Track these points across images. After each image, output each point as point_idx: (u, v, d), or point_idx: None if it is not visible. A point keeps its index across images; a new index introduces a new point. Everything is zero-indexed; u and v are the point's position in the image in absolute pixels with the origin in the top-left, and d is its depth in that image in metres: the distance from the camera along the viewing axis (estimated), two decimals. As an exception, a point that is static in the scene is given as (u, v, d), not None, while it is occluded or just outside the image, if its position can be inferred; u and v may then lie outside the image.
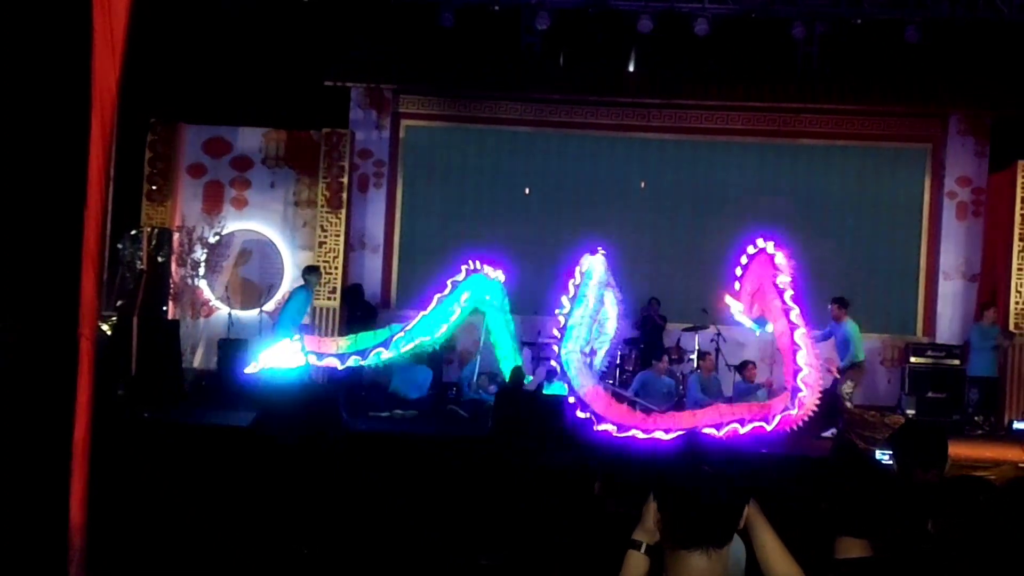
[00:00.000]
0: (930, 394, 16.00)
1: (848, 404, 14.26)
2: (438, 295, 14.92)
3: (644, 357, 16.32)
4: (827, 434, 13.70)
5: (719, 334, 16.34)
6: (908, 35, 15.85)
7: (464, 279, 14.90)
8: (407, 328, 14.89)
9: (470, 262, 15.03)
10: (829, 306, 14.53)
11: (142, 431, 11.27)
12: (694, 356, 16.29)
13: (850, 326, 14.49)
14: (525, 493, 6.71)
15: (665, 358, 15.52)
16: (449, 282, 14.96)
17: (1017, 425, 14.36)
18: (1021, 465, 11.34)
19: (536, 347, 16.40)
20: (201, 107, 17.78)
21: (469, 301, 15.03)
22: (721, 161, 18.42)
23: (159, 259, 16.29)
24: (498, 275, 15.06)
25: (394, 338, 14.82)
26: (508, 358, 15.21)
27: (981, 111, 17.83)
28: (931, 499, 3.83)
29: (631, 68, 18.23)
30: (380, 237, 18.34)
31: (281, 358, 14.62)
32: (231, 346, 16.78)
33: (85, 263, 4.62)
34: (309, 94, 17.65)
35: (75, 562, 4.62)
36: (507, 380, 14.50)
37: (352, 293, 17.12)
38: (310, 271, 15.80)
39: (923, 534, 3.80)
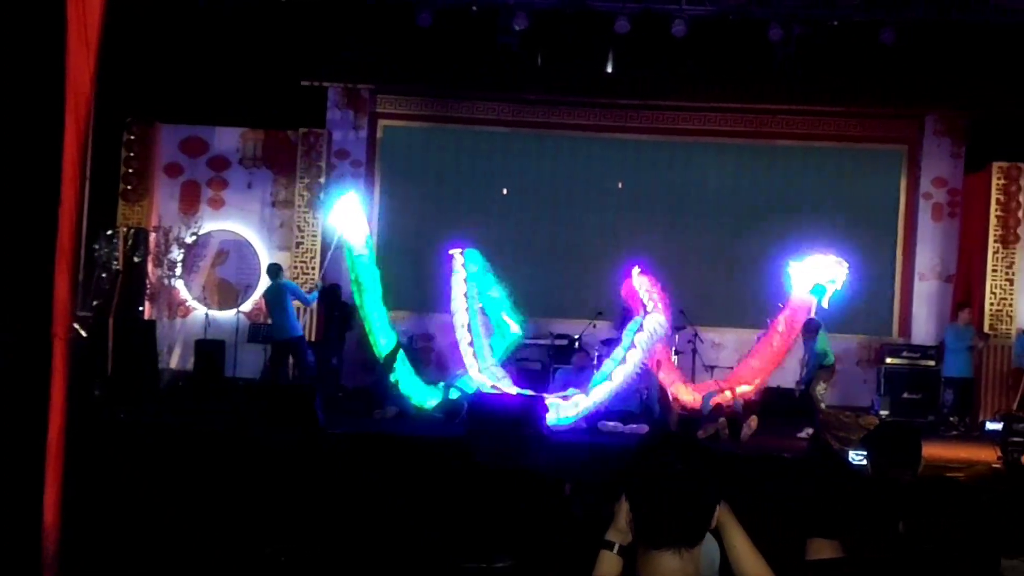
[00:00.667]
0: (905, 395, 16.07)
1: (821, 405, 14.36)
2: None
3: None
4: (802, 434, 13.77)
5: (696, 335, 16.39)
6: (884, 37, 15.89)
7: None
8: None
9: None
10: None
11: (118, 432, 11.22)
12: (672, 356, 16.34)
13: (819, 337, 14.70)
14: (499, 495, 6.71)
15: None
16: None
17: (990, 426, 14.42)
18: (995, 466, 11.44)
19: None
20: (178, 106, 17.69)
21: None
22: (698, 162, 18.46)
23: (135, 259, 16.25)
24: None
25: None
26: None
27: (956, 112, 17.91)
28: (903, 500, 3.84)
29: (608, 69, 18.20)
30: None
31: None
32: (208, 347, 16.77)
33: (59, 263, 4.60)
34: (286, 94, 17.60)
35: (48, 563, 4.59)
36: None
37: (329, 294, 17.07)
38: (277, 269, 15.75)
39: (894, 535, 3.81)
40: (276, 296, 15.22)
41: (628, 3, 15.86)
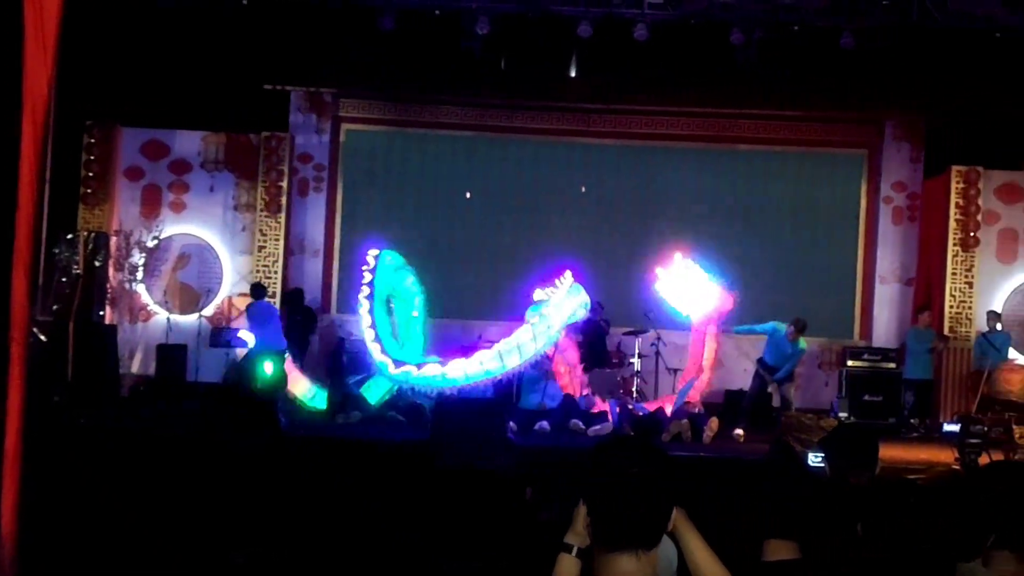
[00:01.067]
0: (867, 397, 16.15)
1: (792, 408, 14.54)
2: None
3: (588, 360, 16.39)
4: (735, 434, 13.99)
5: (659, 338, 16.45)
6: (844, 42, 16.01)
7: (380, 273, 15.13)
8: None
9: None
10: (789, 327, 14.75)
11: (78, 437, 11.15)
12: (635, 359, 16.42)
13: (803, 344, 14.87)
14: (461, 497, 6.71)
15: None
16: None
17: (948, 427, 14.53)
18: (954, 467, 11.54)
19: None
20: (139, 109, 17.59)
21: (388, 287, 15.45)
22: (661, 166, 18.55)
23: (96, 263, 16.12)
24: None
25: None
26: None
27: (916, 117, 18.08)
28: (860, 502, 3.87)
29: (572, 73, 18.26)
30: (320, 241, 18.28)
31: None
32: (170, 351, 16.68)
33: (16, 267, 4.56)
34: (248, 97, 17.56)
35: (5, 570, 4.55)
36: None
37: (292, 298, 17.02)
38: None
39: (851, 536, 3.84)
40: (268, 314, 15.35)
41: (590, 7, 15.90)
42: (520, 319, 17.12)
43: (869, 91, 17.64)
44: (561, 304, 14.03)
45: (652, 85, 17.85)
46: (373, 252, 15.02)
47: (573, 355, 15.09)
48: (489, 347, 14.39)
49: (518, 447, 12.27)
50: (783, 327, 14.84)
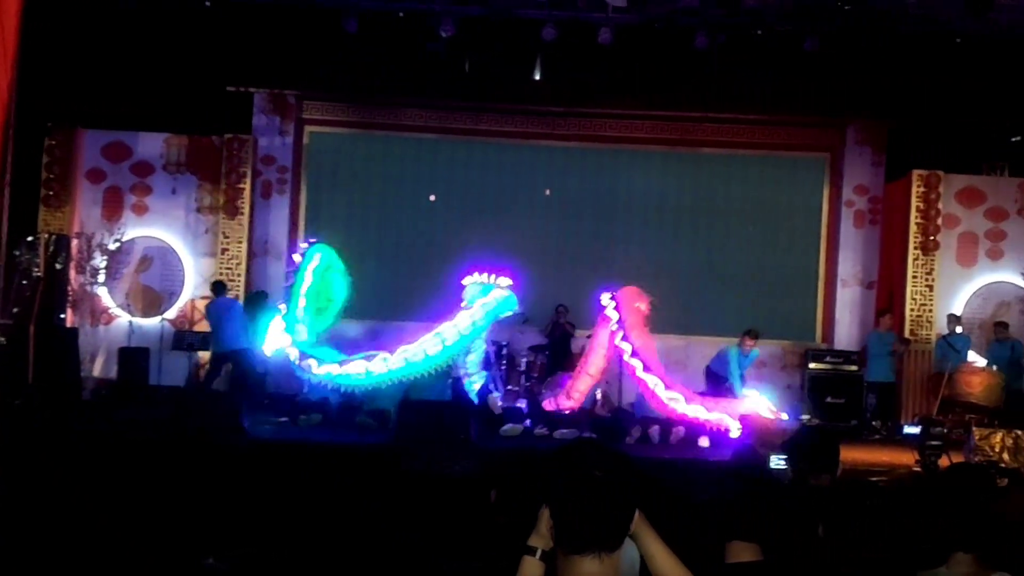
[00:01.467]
0: (829, 399, 16.25)
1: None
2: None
3: (552, 364, 16.43)
4: (702, 442, 14.05)
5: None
6: (807, 46, 16.13)
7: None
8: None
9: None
10: (743, 337, 14.92)
11: (39, 440, 11.04)
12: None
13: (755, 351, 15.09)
14: (425, 501, 6.70)
15: None
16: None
17: (908, 429, 14.65)
18: (915, 469, 11.62)
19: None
20: (100, 111, 17.47)
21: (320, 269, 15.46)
22: (625, 169, 18.59)
23: (57, 266, 15.97)
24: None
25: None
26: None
27: (877, 121, 18.20)
28: (821, 504, 3.90)
29: (536, 76, 18.29)
30: (283, 244, 18.19)
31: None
32: (132, 354, 16.56)
33: (-24, 270, 4.53)
34: (211, 99, 17.45)
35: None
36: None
37: (255, 300, 16.93)
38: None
39: (812, 538, 3.86)
40: (228, 310, 15.24)
41: (555, 11, 15.95)
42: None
43: (831, 95, 17.76)
44: (478, 297, 14.44)
45: (616, 88, 17.91)
46: (303, 245, 15.16)
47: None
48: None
49: (482, 450, 12.27)
50: (734, 349, 15.09)
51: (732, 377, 15.03)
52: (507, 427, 13.98)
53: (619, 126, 18.59)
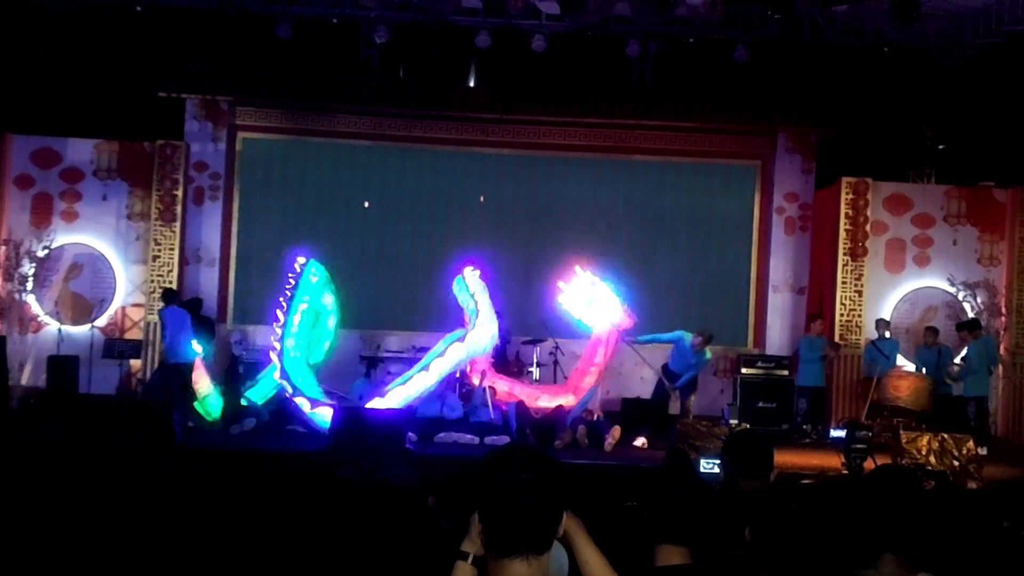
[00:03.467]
0: (760, 404, 16.40)
1: (691, 416, 14.74)
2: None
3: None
4: (638, 443, 14.10)
5: (557, 347, 16.55)
6: (738, 55, 16.32)
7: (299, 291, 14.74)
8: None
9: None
10: (696, 337, 15.04)
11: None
12: (534, 368, 16.51)
13: (708, 355, 15.20)
14: (361, 509, 6.69)
15: None
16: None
17: (834, 433, 14.85)
18: (843, 472, 11.78)
19: (375, 360, 16.30)
20: (29, 116, 17.23)
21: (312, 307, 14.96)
22: (559, 176, 18.66)
23: (-16, 273, 15.77)
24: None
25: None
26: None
27: (807, 129, 18.43)
28: (751, 508, 3.94)
29: (470, 83, 18.35)
30: (216, 250, 18.04)
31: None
32: (61, 363, 16.35)
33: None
34: (142, 105, 17.29)
35: None
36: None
37: (190, 307, 16.76)
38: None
39: (739, 541, 3.91)
40: (182, 320, 14.88)
41: (489, 18, 16.01)
42: (420, 328, 17.21)
43: (762, 103, 18.00)
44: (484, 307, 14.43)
45: (550, 96, 18.01)
46: (300, 260, 14.76)
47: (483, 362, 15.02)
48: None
49: (418, 457, 12.26)
50: (689, 336, 15.12)
51: (685, 368, 15.11)
52: (441, 435, 13.99)
53: (553, 133, 18.65)
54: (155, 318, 16.51)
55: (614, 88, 18.03)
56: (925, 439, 12.22)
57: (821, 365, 16.38)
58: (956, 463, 11.98)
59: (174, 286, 16.97)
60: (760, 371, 16.77)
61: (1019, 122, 16.63)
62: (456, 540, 3.06)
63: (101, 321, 17.40)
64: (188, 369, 14.61)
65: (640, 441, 14.26)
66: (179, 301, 15.24)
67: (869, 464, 11.45)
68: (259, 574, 5.76)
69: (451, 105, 18.30)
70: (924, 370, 15.78)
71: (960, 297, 17.37)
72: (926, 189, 18.13)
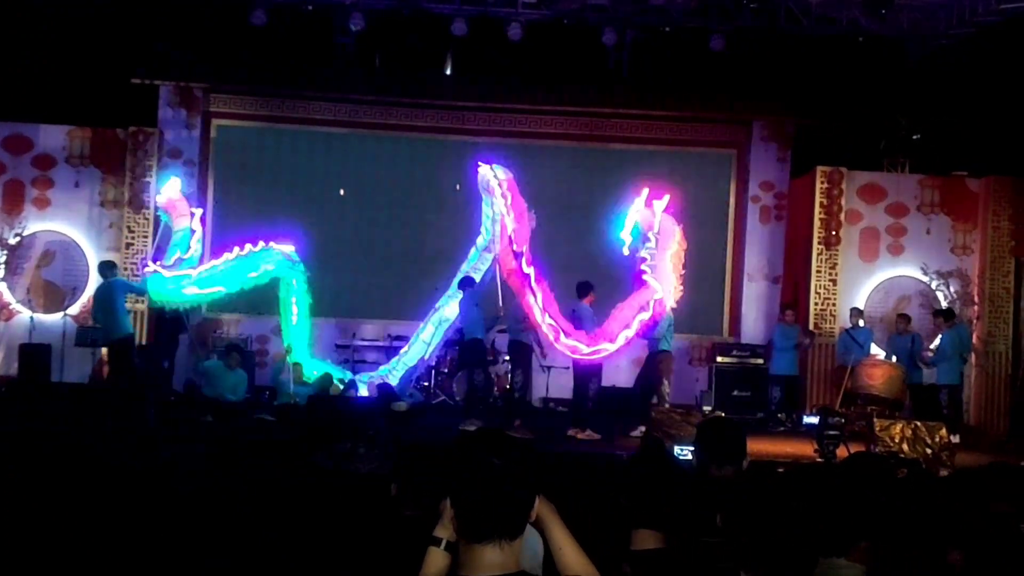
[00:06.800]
0: (735, 392, 16.47)
1: (666, 404, 14.66)
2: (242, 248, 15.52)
3: (460, 360, 16.40)
4: (636, 433, 14.03)
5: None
6: (713, 44, 16.35)
7: (271, 253, 15.41)
8: (201, 270, 15.22)
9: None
10: None
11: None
12: (508, 357, 16.46)
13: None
14: (332, 498, 6.68)
15: None
16: (260, 243, 15.52)
17: (807, 420, 14.91)
18: (817, 460, 11.82)
19: (350, 350, 16.30)
20: (0, 102, 17.09)
21: (271, 273, 15.57)
22: (535, 164, 18.61)
23: (-46, 261, 15.65)
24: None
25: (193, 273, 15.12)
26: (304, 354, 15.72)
27: (782, 118, 18.47)
28: (723, 494, 3.95)
29: (447, 71, 18.31)
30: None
31: None
32: (33, 351, 16.25)
33: None
34: (116, 91, 17.18)
35: None
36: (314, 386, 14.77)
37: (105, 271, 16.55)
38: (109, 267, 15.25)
39: (712, 528, 3.92)
40: (107, 294, 14.65)
41: (465, 6, 15.98)
42: (396, 316, 17.18)
43: (737, 92, 18.02)
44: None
45: (526, 84, 18.00)
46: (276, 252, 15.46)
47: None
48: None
49: (388, 443, 12.21)
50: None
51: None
52: (397, 403, 14.04)
53: (529, 121, 18.65)
54: (132, 306, 16.38)
55: (590, 76, 18.01)
56: (898, 427, 12.27)
57: (795, 354, 16.45)
58: (929, 451, 12.03)
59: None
60: (735, 359, 16.84)
61: (992, 112, 16.70)
62: (421, 527, 3.06)
63: (74, 309, 17.29)
64: (128, 342, 14.76)
65: (640, 430, 14.13)
66: (113, 273, 15.13)
67: (842, 451, 11.48)
68: (258, 574, 5.74)
69: (427, 93, 18.26)
70: (896, 358, 15.85)
71: (933, 286, 17.45)
72: (900, 179, 18.17)
